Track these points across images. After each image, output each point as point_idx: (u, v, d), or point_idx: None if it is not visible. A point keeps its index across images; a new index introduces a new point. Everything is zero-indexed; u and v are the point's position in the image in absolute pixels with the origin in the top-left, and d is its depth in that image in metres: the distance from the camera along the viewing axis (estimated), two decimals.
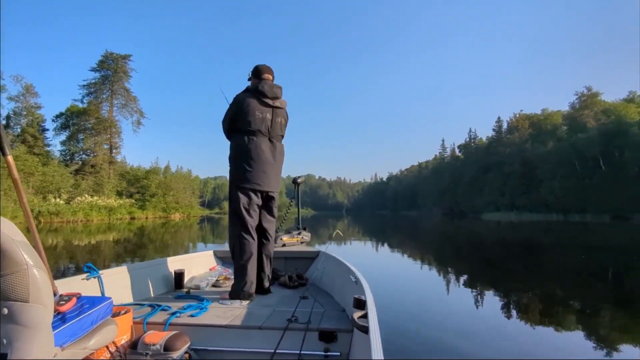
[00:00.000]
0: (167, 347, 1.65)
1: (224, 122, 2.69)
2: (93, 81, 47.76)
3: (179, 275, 2.80)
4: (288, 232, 4.18)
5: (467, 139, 77.20)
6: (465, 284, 6.18)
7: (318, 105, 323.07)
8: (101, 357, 1.54)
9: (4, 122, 39.86)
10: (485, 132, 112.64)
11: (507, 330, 3.81)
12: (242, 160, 2.57)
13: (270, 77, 2.75)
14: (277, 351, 1.42)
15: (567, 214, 44.66)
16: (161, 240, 14.66)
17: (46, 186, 32.89)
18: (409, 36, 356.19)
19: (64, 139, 46.01)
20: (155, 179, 46.21)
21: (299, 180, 4.50)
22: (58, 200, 31.92)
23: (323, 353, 1.76)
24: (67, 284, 1.90)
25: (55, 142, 49.63)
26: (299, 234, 4.16)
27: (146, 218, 39.17)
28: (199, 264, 3.27)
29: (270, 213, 2.72)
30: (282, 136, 2.78)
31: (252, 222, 2.55)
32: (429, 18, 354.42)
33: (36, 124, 41.47)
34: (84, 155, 45.77)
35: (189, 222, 32.78)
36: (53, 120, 46.15)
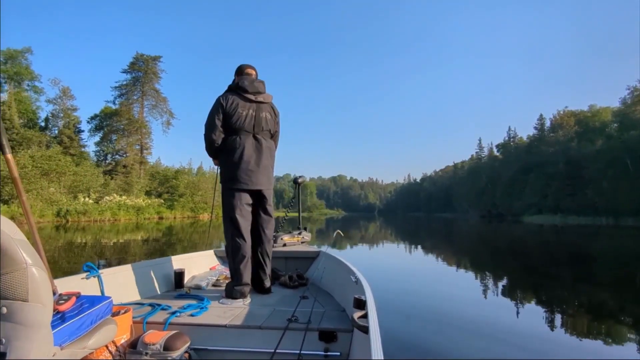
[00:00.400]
0: (167, 347, 1.67)
1: (208, 125, 2.59)
2: (124, 82, 50.13)
3: (179, 275, 2.84)
4: (288, 232, 4.24)
5: (506, 138, 74.68)
6: (479, 286, 6.06)
7: (349, 104, 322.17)
8: (100, 357, 1.56)
9: (42, 124, 42.37)
10: (525, 132, 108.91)
11: (514, 332, 3.75)
12: (227, 161, 2.57)
13: (253, 72, 2.75)
14: (277, 351, 1.44)
15: (619, 217, 42.12)
16: (189, 239, 15.04)
17: (77, 185, 34.42)
18: (443, 34, 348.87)
19: (98, 139, 48.54)
20: (184, 179, 47.42)
21: (299, 180, 4.50)
22: (87, 199, 33.28)
23: (323, 353, 1.78)
24: (66, 283, 1.94)
25: (90, 143, 52.47)
26: (300, 233, 4.20)
27: (174, 218, 40.11)
28: (200, 264, 3.32)
29: (265, 211, 2.70)
30: (271, 132, 2.74)
31: (244, 222, 2.54)
32: (466, 16, 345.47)
33: (72, 126, 43.86)
34: (117, 156, 48.03)
35: (217, 223, 33.48)
36: (88, 122, 48.88)
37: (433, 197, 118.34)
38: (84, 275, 2.08)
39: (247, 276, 2.49)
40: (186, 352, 1.76)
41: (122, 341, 1.74)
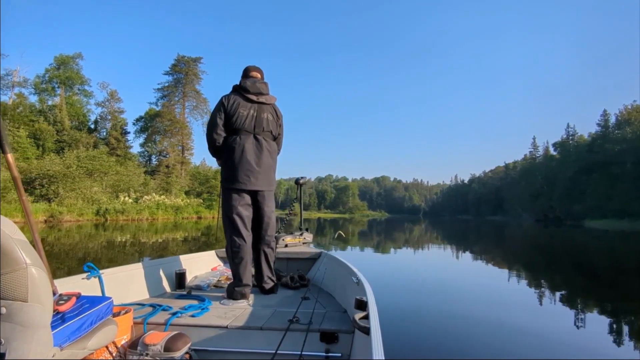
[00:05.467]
0: (168, 348, 1.71)
1: (209, 124, 2.68)
2: (166, 84, 52.64)
3: (181, 275, 2.91)
4: (290, 233, 4.31)
5: (564, 136, 70.48)
6: (485, 289, 5.99)
7: (393, 104, 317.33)
8: (101, 358, 1.61)
9: (92, 126, 45.28)
10: (585, 130, 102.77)
11: (513, 332, 3.80)
12: (227, 161, 2.62)
13: (258, 75, 2.80)
14: (278, 352, 1.47)
15: None
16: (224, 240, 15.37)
17: (118, 185, 36.27)
18: (489, 34, 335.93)
19: (143, 141, 51.29)
20: None
21: (301, 181, 4.58)
22: (127, 198, 34.83)
23: (324, 354, 1.81)
24: (66, 283, 1.99)
25: (136, 144, 55.66)
26: (301, 234, 4.27)
27: (213, 218, 41.07)
28: (201, 264, 3.39)
29: (265, 212, 2.73)
30: (273, 133, 2.78)
31: (242, 223, 2.58)
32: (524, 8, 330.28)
33: (119, 127, 46.66)
34: (160, 157, 50.52)
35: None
36: (134, 124, 51.83)
37: (482, 199, 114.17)
38: (84, 275, 2.13)
39: (247, 277, 2.54)
40: (187, 352, 1.80)
41: (123, 342, 1.79)
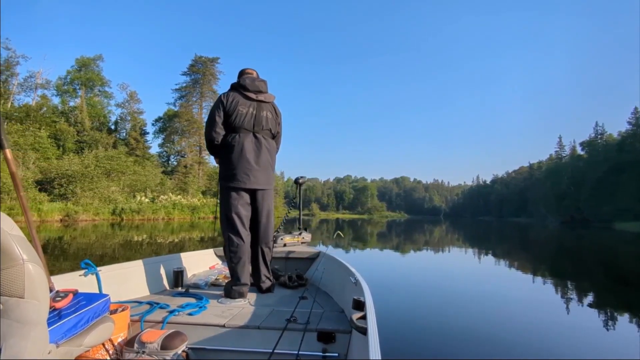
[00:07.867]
0: (164, 346, 1.71)
1: (208, 122, 2.69)
2: (184, 85, 53.77)
3: (178, 274, 2.92)
4: (289, 232, 4.36)
5: (593, 135, 68.47)
6: (492, 291, 6.00)
7: (413, 106, 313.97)
8: (97, 355, 1.63)
9: (112, 126, 46.39)
10: (614, 128, 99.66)
11: (511, 334, 3.85)
12: (226, 159, 2.63)
13: (254, 72, 2.82)
14: (275, 351, 1.48)
15: None
16: None
17: (135, 185, 37.03)
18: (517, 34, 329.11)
19: (161, 141, 52.40)
20: None
21: (300, 181, 4.64)
22: (143, 198, 35.40)
23: (321, 354, 1.82)
24: (64, 280, 2.01)
25: (155, 145, 56.85)
26: (300, 234, 4.31)
27: None
28: (199, 263, 3.41)
29: (263, 211, 2.73)
30: (272, 131, 2.79)
31: (240, 222, 2.60)
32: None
33: (138, 128, 47.73)
34: (179, 157, 51.52)
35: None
36: (153, 124, 52.98)
37: (505, 200, 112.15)
38: (81, 272, 2.15)
39: (245, 276, 2.55)
40: (184, 351, 1.80)
41: (119, 339, 1.81)
